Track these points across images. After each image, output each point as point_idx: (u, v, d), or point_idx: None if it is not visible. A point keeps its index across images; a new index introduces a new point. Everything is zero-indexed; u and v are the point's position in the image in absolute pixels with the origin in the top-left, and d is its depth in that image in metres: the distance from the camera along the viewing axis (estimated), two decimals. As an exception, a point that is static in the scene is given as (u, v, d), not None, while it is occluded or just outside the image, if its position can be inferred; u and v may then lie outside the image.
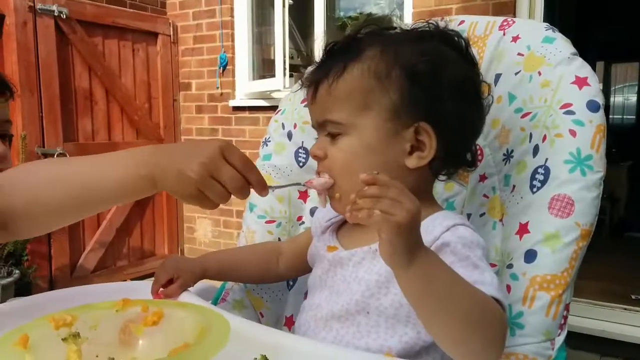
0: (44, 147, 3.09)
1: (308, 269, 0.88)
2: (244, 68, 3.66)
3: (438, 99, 0.71)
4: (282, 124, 1.15)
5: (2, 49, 2.96)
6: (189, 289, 0.82)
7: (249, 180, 0.69)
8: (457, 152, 0.77)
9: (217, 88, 3.71)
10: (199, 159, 0.66)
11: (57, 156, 3.08)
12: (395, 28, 0.78)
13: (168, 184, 0.67)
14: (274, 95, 3.50)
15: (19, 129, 2.97)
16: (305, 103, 1.10)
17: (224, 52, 3.65)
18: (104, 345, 0.49)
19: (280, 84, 3.26)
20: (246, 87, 3.65)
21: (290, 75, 3.43)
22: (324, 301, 0.78)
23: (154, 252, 3.89)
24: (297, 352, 0.62)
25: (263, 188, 0.72)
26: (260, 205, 1.10)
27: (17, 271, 2.79)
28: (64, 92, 3.19)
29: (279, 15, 3.24)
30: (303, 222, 1.11)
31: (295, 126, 1.13)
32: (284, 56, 3.22)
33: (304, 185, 0.78)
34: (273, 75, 3.48)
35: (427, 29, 0.76)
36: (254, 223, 1.09)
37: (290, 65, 3.41)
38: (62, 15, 3.11)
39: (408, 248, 0.57)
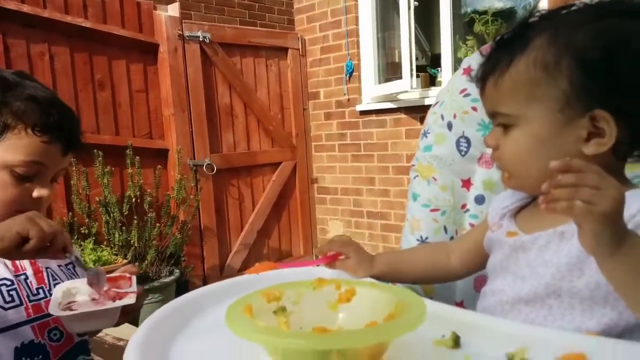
0: (194, 159, 3.44)
1: (484, 263, 0.86)
2: (370, 73, 3.74)
3: (616, 83, 0.66)
4: (441, 115, 1.16)
5: (158, 74, 3.36)
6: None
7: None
8: None
9: (344, 94, 3.84)
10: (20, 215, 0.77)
11: (205, 167, 3.42)
12: (574, 5, 0.73)
13: None
14: (401, 97, 3.53)
15: (173, 144, 3.35)
16: (465, 93, 1.12)
17: (350, 59, 3.77)
18: (307, 317, 0.57)
19: (407, 85, 3.29)
20: (372, 91, 3.73)
21: (417, 76, 3.45)
22: (507, 286, 0.76)
23: (291, 253, 4.12)
24: (491, 330, 0.63)
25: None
26: (424, 195, 1.13)
27: (177, 271, 3.13)
28: (209, 109, 3.53)
29: (404, 17, 3.27)
30: (468, 210, 1.11)
31: (455, 116, 1.13)
32: (411, 57, 3.24)
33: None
34: (398, 78, 3.52)
35: (605, 1, 0.70)
36: (418, 212, 1.12)
37: (416, 67, 3.42)
38: (206, 39, 3.45)
39: (613, 236, 0.54)
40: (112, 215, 2.90)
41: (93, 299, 0.87)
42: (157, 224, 3.05)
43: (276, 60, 3.94)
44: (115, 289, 0.90)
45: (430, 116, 1.20)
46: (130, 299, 0.85)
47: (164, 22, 3.29)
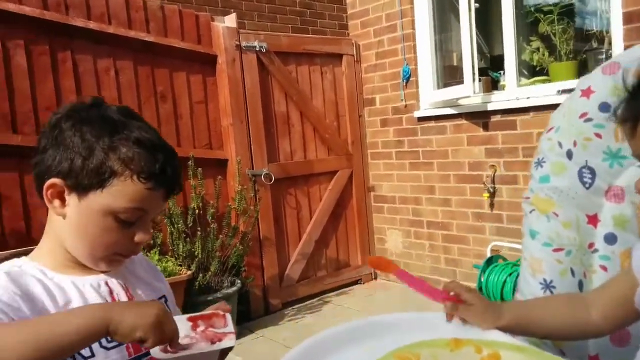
0: (252, 168, 3.43)
1: (635, 317, 0.77)
2: (428, 78, 3.65)
3: None
4: (559, 142, 1.07)
5: (217, 85, 3.38)
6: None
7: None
8: None
9: (401, 100, 3.76)
10: (155, 309, 0.74)
11: (263, 177, 3.41)
12: None
13: (121, 327, 0.70)
14: (462, 102, 3.42)
15: (232, 154, 3.36)
16: (586, 117, 1.03)
17: (407, 64, 3.69)
18: None
19: (469, 90, 3.18)
20: (431, 97, 3.63)
21: (479, 80, 3.33)
22: None
23: (349, 263, 4.05)
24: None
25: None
26: (544, 232, 1.03)
27: (239, 281, 3.12)
28: (266, 118, 3.53)
29: (464, 19, 3.17)
30: (597, 250, 1.01)
31: (575, 144, 1.04)
32: (472, 61, 3.13)
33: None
34: (458, 82, 3.41)
35: None
36: (538, 251, 1.03)
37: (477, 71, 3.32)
38: (262, 49, 3.44)
39: None
40: (176, 226, 2.92)
41: (189, 338, 0.83)
42: (220, 235, 3.06)
43: (331, 67, 3.90)
44: (210, 328, 0.86)
45: (544, 143, 1.11)
46: (230, 341, 0.81)
47: (221, 33, 3.30)
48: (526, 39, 3.48)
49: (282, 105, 3.64)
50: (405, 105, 3.76)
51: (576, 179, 1.02)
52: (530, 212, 1.06)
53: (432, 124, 3.62)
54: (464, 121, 3.43)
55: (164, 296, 1.01)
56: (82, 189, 0.84)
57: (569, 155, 1.04)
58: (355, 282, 4.05)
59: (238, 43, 3.37)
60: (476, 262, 3.39)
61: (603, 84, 1.01)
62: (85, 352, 0.81)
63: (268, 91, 3.56)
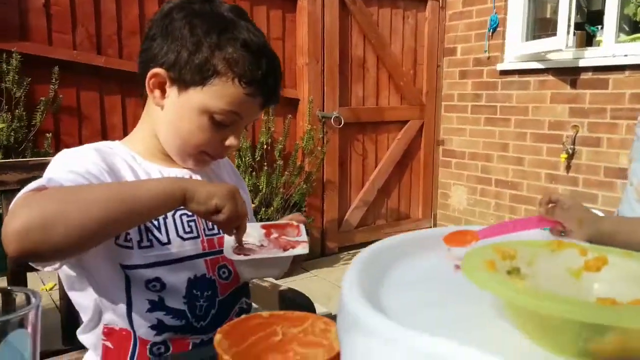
0: (323, 110, 3.42)
1: None
2: (517, 29, 3.42)
3: None
4: None
5: (295, 22, 3.34)
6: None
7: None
8: None
9: (485, 51, 3.56)
10: (229, 186, 0.77)
11: (333, 119, 3.39)
12: None
13: (195, 199, 0.73)
14: (551, 56, 3.19)
15: (305, 94, 3.35)
16: None
17: (495, 12, 3.47)
18: (543, 283, 0.48)
19: (562, 43, 2.94)
20: (517, 49, 3.41)
21: (573, 34, 3.09)
22: None
23: (409, 215, 4.02)
24: None
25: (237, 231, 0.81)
26: None
27: (299, 221, 3.18)
28: (342, 60, 3.46)
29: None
30: None
31: None
32: (570, 12, 2.88)
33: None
34: (548, 35, 3.17)
35: None
36: None
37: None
38: (345, -13, 3.34)
39: None
40: (243, 159, 2.99)
41: (262, 245, 0.85)
42: (285, 173, 3.10)
43: (414, 11, 3.74)
44: (283, 236, 0.87)
45: None
46: (303, 249, 0.82)
47: (305, -32, 3.23)
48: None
49: (359, 48, 3.56)
50: (489, 57, 3.56)
51: None
52: None
53: (514, 78, 3.42)
54: (550, 77, 3.21)
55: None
56: (183, 83, 0.84)
57: None
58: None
59: (320, -21, 3.28)
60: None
61: None
62: (163, 238, 0.84)
63: (346, 32, 3.48)
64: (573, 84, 3.10)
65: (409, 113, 3.83)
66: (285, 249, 0.82)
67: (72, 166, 0.77)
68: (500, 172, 3.59)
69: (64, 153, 0.83)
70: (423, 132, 3.92)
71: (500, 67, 3.48)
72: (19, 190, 1.05)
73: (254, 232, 0.87)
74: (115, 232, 0.77)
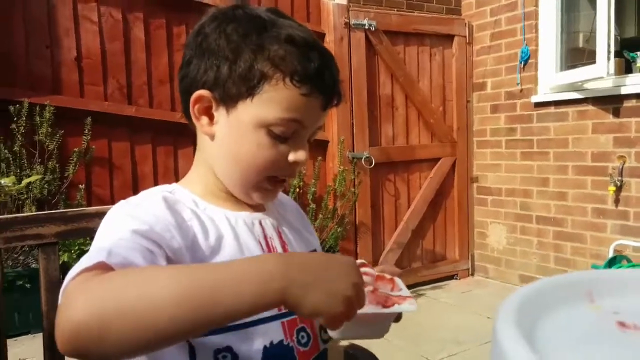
0: (353, 151, 3.34)
1: None
2: (550, 59, 3.34)
3: None
4: None
5: (322, 64, 3.31)
6: None
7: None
8: None
9: (517, 84, 3.48)
10: (350, 279, 0.56)
11: (364, 160, 3.30)
12: None
13: (308, 303, 0.53)
14: (588, 85, 3.09)
15: (334, 135, 3.28)
16: None
17: (526, 44, 3.40)
18: None
19: (602, 71, 2.83)
20: (552, 80, 3.32)
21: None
22: None
23: (445, 256, 3.85)
24: None
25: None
26: None
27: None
28: (370, 100, 3.41)
29: (600, -7, 2.84)
30: None
31: None
32: (609, 39, 2.79)
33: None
34: (583, 65, 3.08)
35: None
36: None
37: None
38: (371, 27, 3.32)
39: None
40: (276, 203, 2.90)
41: None
42: (319, 216, 3.00)
43: (440, 48, 3.70)
44: (380, 290, 0.70)
45: None
46: (410, 305, 0.65)
47: (331, 10, 3.23)
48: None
49: (387, 86, 3.51)
50: (521, 90, 3.47)
51: None
52: None
53: (551, 109, 3.31)
54: (589, 107, 3.09)
55: (314, 249, 0.90)
56: (230, 100, 0.73)
57: None
58: (451, 277, 3.83)
59: (347, 21, 3.27)
60: (594, 263, 3.07)
61: None
62: None
63: (374, 72, 3.44)
64: (616, 113, 2.97)
65: (440, 150, 3.72)
66: (386, 306, 0.65)
67: (133, 224, 0.65)
68: (542, 208, 3.42)
69: (123, 206, 0.72)
70: (456, 170, 3.80)
71: (534, 99, 3.38)
72: (56, 243, 0.98)
73: None
74: (183, 339, 0.64)
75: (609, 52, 2.79)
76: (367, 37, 3.34)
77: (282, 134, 0.73)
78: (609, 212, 3.05)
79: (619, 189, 2.95)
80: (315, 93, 0.72)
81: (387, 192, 3.55)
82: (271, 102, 0.71)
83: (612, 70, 2.84)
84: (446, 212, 3.84)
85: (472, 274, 3.91)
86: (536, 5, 3.36)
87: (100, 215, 0.74)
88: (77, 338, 0.49)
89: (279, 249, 0.81)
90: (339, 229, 3.07)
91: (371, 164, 3.33)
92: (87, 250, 0.63)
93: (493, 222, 3.78)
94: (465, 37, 3.74)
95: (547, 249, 3.41)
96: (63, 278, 0.56)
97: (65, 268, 0.63)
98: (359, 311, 0.59)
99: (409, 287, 3.51)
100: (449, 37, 3.71)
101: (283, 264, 0.55)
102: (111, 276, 0.54)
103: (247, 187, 0.77)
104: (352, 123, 3.33)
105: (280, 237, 0.82)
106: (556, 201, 3.34)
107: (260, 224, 0.80)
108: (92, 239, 0.69)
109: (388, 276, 0.73)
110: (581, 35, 3.43)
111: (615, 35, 3.72)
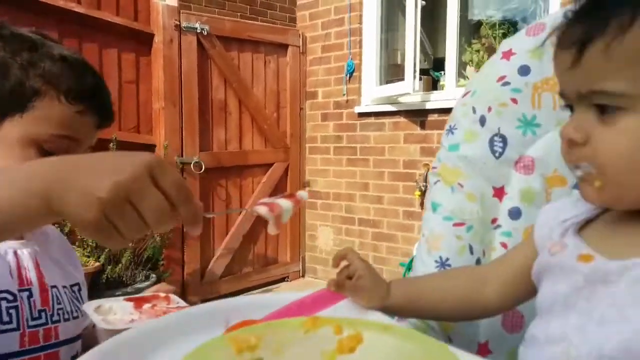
0: (182, 156, 3.29)
1: (531, 292, 0.68)
2: (371, 74, 3.61)
3: None
4: (473, 107, 0.96)
5: (150, 66, 3.22)
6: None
7: (181, 211, 0.49)
8: None
9: (344, 95, 3.71)
10: (115, 176, 0.45)
11: (193, 165, 3.27)
12: None
13: (66, 206, 0.46)
14: (401, 99, 3.40)
15: (161, 139, 3.21)
16: (504, 81, 0.93)
17: (351, 59, 3.64)
18: None
19: (409, 88, 3.16)
20: (373, 93, 3.60)
21: (419, 79, 3.33)
22: (574, 331, 0.56)
23: (277, 260, 3.97)
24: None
25: (196, 224, 0.51)
26: (447, 205, 0.93)
27: (154, 275, 2.96)
28: (202, 104, 3.38)
29: (410, 16, 3.15)
30: (499, 226, 0.92)
31: (489, 109, 0.94)
32: (415, 59, 3.11)
33: (249, 210, 0.64)
34: (400, 80, 3.39)
35: None
36: (438, 226, 0.92)
37: (419, 69, 3.31)
38: (203, 31, 3.30)
39: None
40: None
41: (132, 320, 0.71)
42: (139, 222, 2.90)
43: (275, 56, 3.80)
44: (156, 307, 0.75)
45: (458, 108, 0.99)
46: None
47: (161, 11, 3.14)
48: (468, 41, 3.51)
49: (220, 91, 3.51)
50: (347, 100, 3.71)
51: (487, 147, 0.94)
52: (435, 183, 0.98)
53: (371, 120, 3.59)
54: (402, 119, 3.41)
55: (77, 284, 0.87)
56: None
57: (482, 121, 0.95)
58: (282, 280, 3.97)
59: (178, 23, 3.21)
60: (403, 261, 3.39)
61: (525, 45, 0.94)
62: None
63: (206, 76, 3.42)
64: (422, 125, 3.31)
65: (273, 156, 3.83)
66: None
67: None
68: (363, 211, 3.69)
69: None
70: (289, 175, 3.93)
71: (358, 109, 3.63)
72: None
73: (117, 308, 0.73)
74: None
75: (414, 70, 3.11)
76: (199, 41, 3.31)
77: (53, 151, 0.71)
78: (416, 214, 3.39)
79: (423, 193, 3.30)
80: (90, 111, 0.73)
81: (218, 198, 3.56)
82: (43, 118, 0.70)
83: (417, 86, 3.16)
84: (281, 216, 3.94)
85: (303, 276, 4.08)
86: (360, 22, 3.62)
87: None
88: None
89: (35, 281, 0.77)
90: (158, 239, 2.99)
91: (201, 169, 3.31)
92: None
93: (322, 225, 3.98)
94: (299, 47, 3.89)
95: (367, 249, 3.68)
96: None
97: None
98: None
99: (239, 292, 3.56)
100: (284, 46, 3.83)
101: (50, 163, 0.49)
102: None
103: None
104: (182, 127, 3.28)
105: (37, 268, 0.78)
106: (375, 204, 3.62)
107: (16, 253, 0.76)
108: None
109: (163, 294, 0.79)
110: (399, 53, 3.76)
111: (429, 55, 4.16)
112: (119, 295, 2.59)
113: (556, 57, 0.58)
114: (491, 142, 0.93)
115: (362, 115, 3.63)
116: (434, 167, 1.00)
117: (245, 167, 3.67)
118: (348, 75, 3.67)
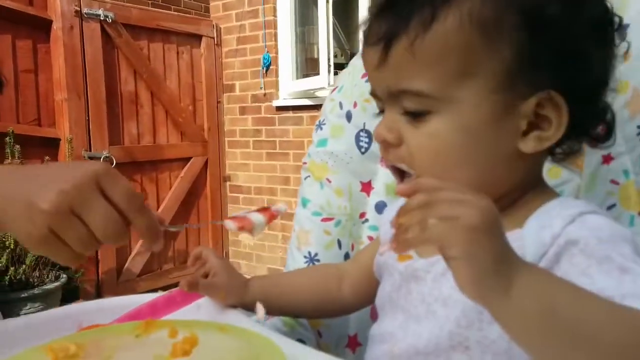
0: (90, 150, 3.10)
1: (376, 288, 0.70)
2: (288, 67, 3.58)
3: (572, 53, 0.50)
4: (340, 102, 0.97)
5: (50, 54, 2.99)
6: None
7: (134, 224, 0.48)
8: (586, 124, 0.55)
9: (261, 88, 3.65)
10: (59, 186, 0.44)
11: (103, 159, 3.09)
12: None
13: (10, 221, 0.43)
14: (318, 93, 3.40)
15: (65, 132, 3.00)
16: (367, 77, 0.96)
17: (267, 52, 3.59)
18: None
19: (325, 82, 3.17)
20: (290, 87, 3.57)
21: (335, 73, 3.34)
22: (398, 329, 0.58)
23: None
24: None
25: (154, 238, 0.51)
26: (315, 200, 0.94)
27: (65, 275, 2.78)
28: (110, 96, 3.20)
29: (322, 11, 3.16)
30: (367, 220, 0.94)
31: (355, 105, 0.95)
32: (329, 53, 3.12)
33: (219, 223, 0.66)
34: (316, 74, 3.39)
35: None
36: (307, 221, 0.94)
37: (335, 64, 3.32)
38: (107, 19, 3.12)
39: (497, 263, 0.38)
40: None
41: None
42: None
43: (188, 47, 3.67)
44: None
45: (327, 104, 1.00)
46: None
47: (58, -5, 2.93)
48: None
49: (130, 83, 3.34)
50: (265, 94, 3.66)
51: (353, 142, 0.94)
52: (305, 178, 0.99)
53: (290, 114, 3.56)
54: (319, 113, 3.41)
55: None
56: None
57: (349, 117, 0.96)
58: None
59: (78, 9, 3.01)
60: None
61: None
62: None
63: (113, 66, 3.24)
64: (339, 119, 3.33)
65: (191, 150, 3.70)
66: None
67: None
68: (287, 202, 3.66)
69: None
70: (208, 169, 3.83)
71: (276, 103, 3.59)
72: None
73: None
74: None
75: (329, 64, 3.11)
76: (103, 29, 3.12)
77: None
78: (336, 207, 3.41)
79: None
80: None
81: (133, 194, 3.38)
82: None
83: (332, 81, 3.17)
84: (199, 211, 3.84)
85: (226, 271, 3.99)
86: (275, 15, 3.58)
87: None
88: None
89: None
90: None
91: (112, 164, 3.13)
92: None
93: (244, 220, 3.91)
94: (214, 38, 3.78)
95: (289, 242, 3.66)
96: None
97: None
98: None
99: (159, 290, 3.43)
100: (197, 37, 3.71)
101: None
102: None
103: None
104: (88, 120, 3.09)
105: None
106: (296, 198, 3.60)
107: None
108: None
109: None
110: (316, 47, 3.76)
111: (346, 50, 4.20)
112: (24, 297, 2.36)
113: (363, 54, 0.56)
114: (357, 137, 0.94)
115: (280, 109, 3.60)
116: (304, 163, 1.02)
117: (161, 162, 3.52)
118: (265, 68, 3.62)
